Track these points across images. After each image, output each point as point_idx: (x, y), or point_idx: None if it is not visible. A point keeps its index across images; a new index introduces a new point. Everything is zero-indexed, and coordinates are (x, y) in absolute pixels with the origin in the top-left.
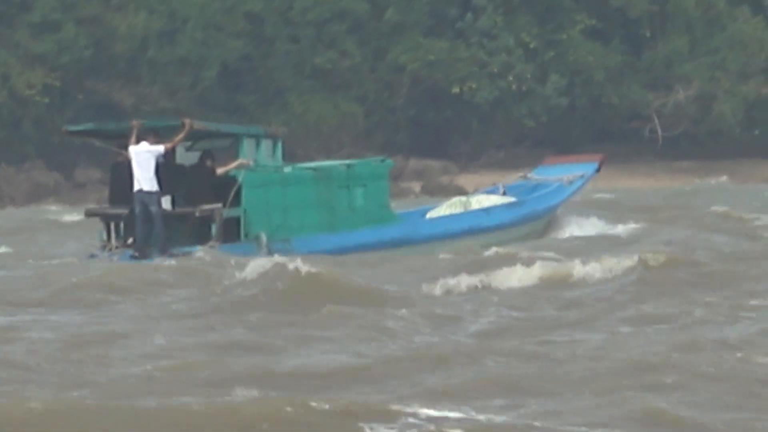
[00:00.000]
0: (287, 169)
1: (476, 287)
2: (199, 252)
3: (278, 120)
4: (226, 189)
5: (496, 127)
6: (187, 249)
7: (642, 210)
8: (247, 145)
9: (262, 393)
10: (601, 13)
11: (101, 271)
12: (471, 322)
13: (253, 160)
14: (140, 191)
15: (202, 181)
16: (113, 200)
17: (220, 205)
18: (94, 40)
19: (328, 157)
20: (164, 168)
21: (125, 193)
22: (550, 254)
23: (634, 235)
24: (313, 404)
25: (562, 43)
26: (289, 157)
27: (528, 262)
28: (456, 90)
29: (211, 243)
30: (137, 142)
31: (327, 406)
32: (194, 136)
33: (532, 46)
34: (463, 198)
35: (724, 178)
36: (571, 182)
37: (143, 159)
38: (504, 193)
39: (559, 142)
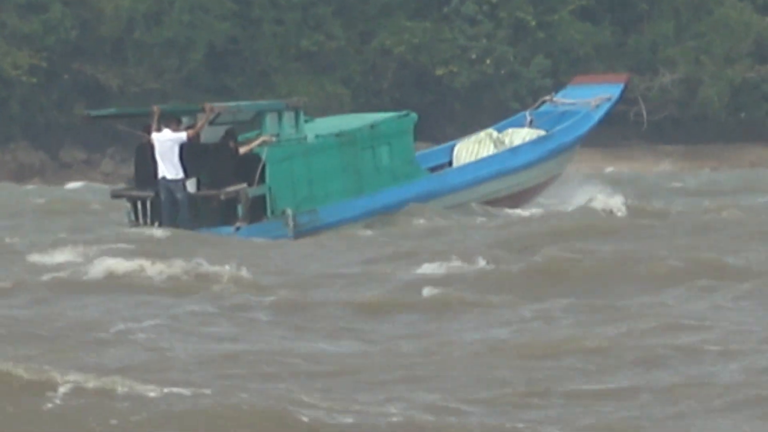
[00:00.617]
0: (310, 139)
1: None
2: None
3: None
4: (251, 168)
5: (481, 110)
6: (214, 230)
7: None
8: (270, 120)
9: None
10: None
11: None
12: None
13: (276, 134)
14: (164, 179)
15: (226, 162)
16: (138, 181)
17: (245, 185)
18: (81, 21)
19: None
20: (188, 149)
21: (150, 174)
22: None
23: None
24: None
25: (552, 24)
26: None
27: None
28: (440, 72)
29: (238, 224)
30: (159, 129)
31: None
32: (217, 119)
33: (532, 23)
34: (492, 132)
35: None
36: (597, 106)
37: (166, 147)
38: (531, 122)
39: None
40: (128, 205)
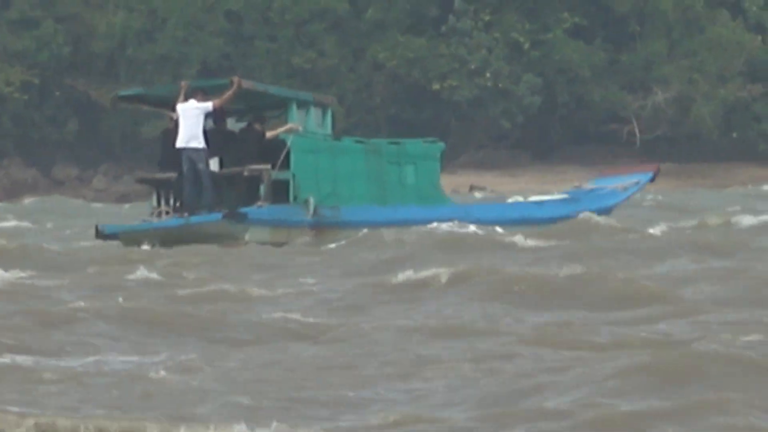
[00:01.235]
0: (337, 141)
1: None
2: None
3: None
4: (275, 152)
5: (475, 127)
6: (203, 218)
7: None
8: (297, 111)
9: None
10: (586, 10)
11: None
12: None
13: (301, 126)
14: (186, 148)
15: (251, 143)
16: (163, 166)
17: (268, 166)
18: (73, 38)
19: None
20: (214, 133)
21: (175, 159)
22: None
23: None
24: None
25: (547, 42)
26: None
27: None
28: (436, 87)
29: (259, 203)
30: (185, 100)
31: None
32: (243, 100)
33: (525, 46)
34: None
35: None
36: (626, 188)
37: (192, 115)
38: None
39: (538, 143)
40: (152, 192)
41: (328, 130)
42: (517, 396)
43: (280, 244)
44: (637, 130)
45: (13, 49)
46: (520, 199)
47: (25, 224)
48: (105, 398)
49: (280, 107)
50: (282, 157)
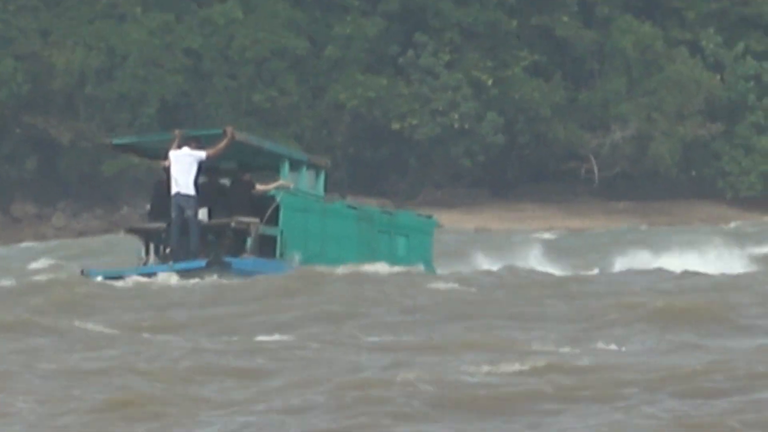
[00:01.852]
0: (328, 203)
1: None
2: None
3: None
4: (264, 206)
5: (434, 166)
6: (186, 265)
7: None
8: (289, 169)
9: None
10: (545, 48)
11: None
12: None
13: (293, 184)
14: (178, 194)
15: (240, 195)
16: (153, 216)
17: (257, 219)
18: (32, 76)
19: None
20: (205, 185)
21: (166, 209)
22: None
23: None
24: None
25: (507, 80)
26: None
27: None
28: (396, 126)
29: (245, 255)
30: (179, 147)
31: None
32: (235, 156)
33: (489, 83)
34: None
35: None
36: None
37: (184, 162)
38: None
39: (497, 181)
40: (140, 241)
41: (321, 192)
42: None
43: None
44: (595, 168)
45: None
46: None
47: None
48: None
49: (272, 166)
50: (270, 212)
